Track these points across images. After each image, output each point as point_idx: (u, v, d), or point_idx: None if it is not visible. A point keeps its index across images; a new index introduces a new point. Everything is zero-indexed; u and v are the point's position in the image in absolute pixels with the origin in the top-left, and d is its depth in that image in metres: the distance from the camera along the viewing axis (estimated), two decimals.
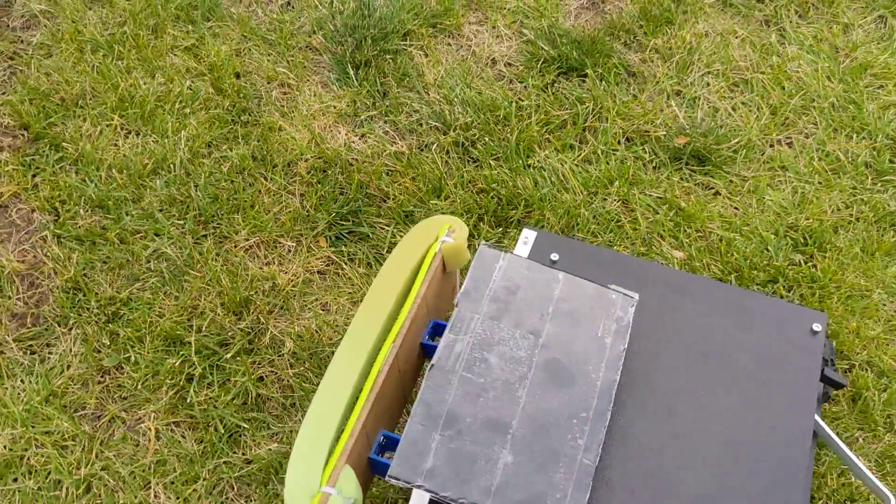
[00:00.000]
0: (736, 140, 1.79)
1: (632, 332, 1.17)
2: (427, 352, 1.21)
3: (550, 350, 1.11)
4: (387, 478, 1.01)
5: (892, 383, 1.48)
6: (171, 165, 1.73)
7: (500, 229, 1.66)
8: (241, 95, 1.85)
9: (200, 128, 1.79)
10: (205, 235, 1.65)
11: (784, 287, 1.59)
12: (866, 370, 1.50)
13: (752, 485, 1.09)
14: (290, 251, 1.64)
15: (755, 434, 1.13)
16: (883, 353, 1.51)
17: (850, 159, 1.77)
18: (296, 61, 1.92)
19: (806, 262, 1.63)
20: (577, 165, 1.75)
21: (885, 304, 1.58)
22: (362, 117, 1.83)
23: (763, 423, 1.14)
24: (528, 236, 1.34)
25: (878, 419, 1.43)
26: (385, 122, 1.83)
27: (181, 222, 1.66)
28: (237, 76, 1.90)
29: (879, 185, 1.75)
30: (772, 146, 1.81)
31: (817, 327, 1.23)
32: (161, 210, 1.67)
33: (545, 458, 1.02)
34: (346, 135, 1.80)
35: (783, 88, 1.89)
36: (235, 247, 1.63)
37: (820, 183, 1.74)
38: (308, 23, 2.00)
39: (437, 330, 1.21)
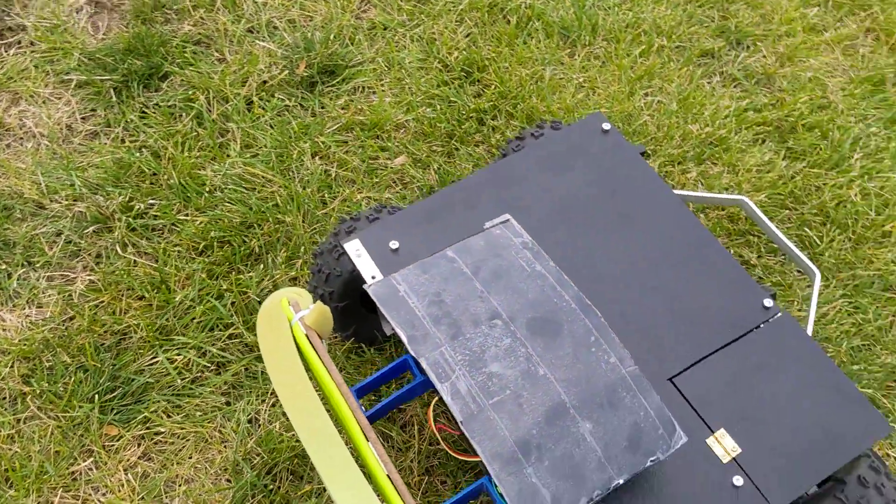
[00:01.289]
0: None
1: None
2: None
3: (517, 317, 1.03)
4: None
5: None
6: None
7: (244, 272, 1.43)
8: None
9: None
10: None
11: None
12: None
13: (703, 294, 1.17)
14: None
15: (669, 257, 1.20)
16: None
17: None
18: None
19: None
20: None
21: None
22: None
23: (666, 243, 1.22)
24: (356, 247, 1.18)
25: None
26: None
27: None
28: None
29: None
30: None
31: (606, 126, 1.31)
32: None
33: (606, 398, 0.98)
34: None
35: None
36: None
37: None
38: None
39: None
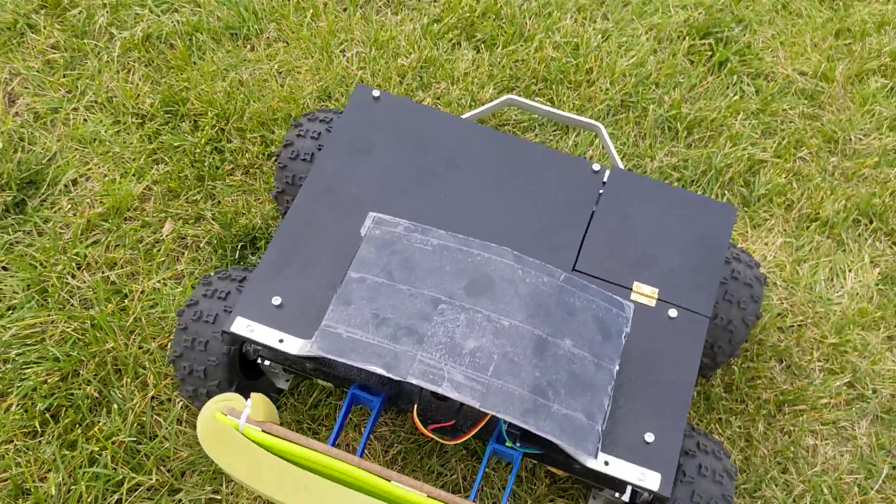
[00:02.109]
0: None
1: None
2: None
3: (454, 291, 1.06)
4: None
5: None
6: None
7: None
8: None
9: None
10: None
11: None
12: None
13: (548, 188, 1.28)
14: None
15: (504, 173, 1.28)
16: None
17: None
18: None
19: None
20: None
21: None
22: None
23: (492, 163, 1.29)
24: (244, 324, 1.12)
25: None
26: None
27: None
28: None
29: None
30: None
31: (376, 93, 1.33)
32: None
33: (563, 310, 1.07)
34: None
35: None
36: None
37: None
38: None
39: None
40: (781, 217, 1.66)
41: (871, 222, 1.67)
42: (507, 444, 1.12)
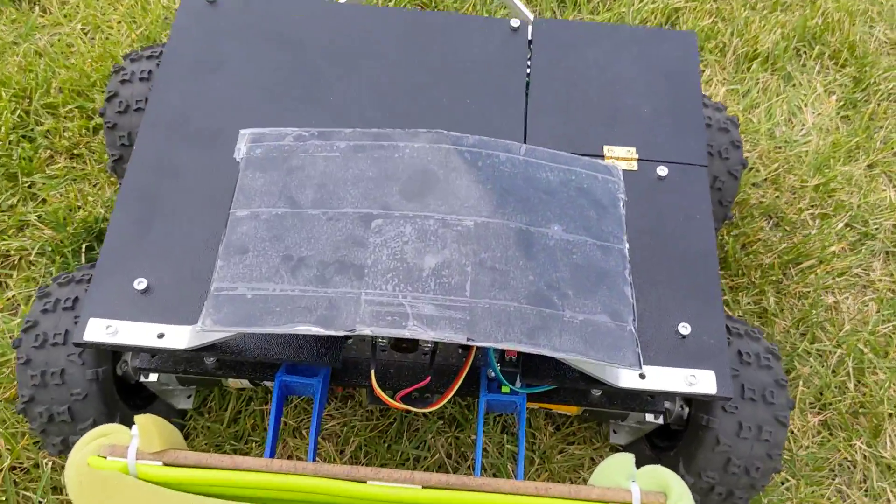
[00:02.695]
0: None
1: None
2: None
3: (387, 199, 0.76)
4: None
5: None
6: None
7: None
8: None
9: None
10: None
11: None
12: None
13: (467, 49, 0.99)
14: None
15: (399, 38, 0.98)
16: None
17: None
18: None
19: None
20: None
21: None
22: None
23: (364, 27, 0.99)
24: (102, 326, 0.78)
25: None
26: None
27: None
28: None
29: None
30: None
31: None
32: None
33: (539, 189, 0.78)
34: None
35: None
36: None
37: None
38: None
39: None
40: (717, 63, 1.43)
41: (813, 47, 1.46)
42: (503, 388, 0.83)
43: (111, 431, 0.72)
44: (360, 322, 0.67)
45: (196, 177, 0.87)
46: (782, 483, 1.05)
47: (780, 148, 1.33)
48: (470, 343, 0.67)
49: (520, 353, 0.80)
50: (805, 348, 1.14)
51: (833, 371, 1.13)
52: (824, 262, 1.21)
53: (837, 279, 1.20)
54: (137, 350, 0.78)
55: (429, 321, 0.67)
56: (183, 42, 0.97)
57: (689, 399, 0.93)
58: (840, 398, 1.11)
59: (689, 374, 0.79)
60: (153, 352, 0.78)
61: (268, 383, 0.95)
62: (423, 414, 1.05)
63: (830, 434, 1.09)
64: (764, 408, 0.90)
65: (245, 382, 0.96)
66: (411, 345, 0.75)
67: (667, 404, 0.89)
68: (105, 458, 0.70)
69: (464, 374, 0.82)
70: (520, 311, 0.69)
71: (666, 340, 0.81)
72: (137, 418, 0.71)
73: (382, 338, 0.77)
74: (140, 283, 0.80)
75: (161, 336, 0.78)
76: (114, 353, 0.93)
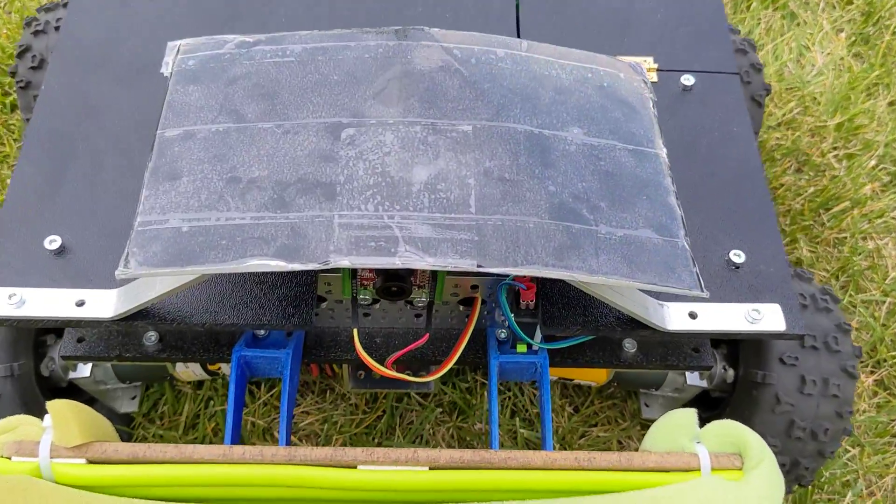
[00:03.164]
0: None
1: None
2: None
3: (359, 104, 0.60)
4: None
5: None
6: None
7: None
8: None
9: None
10: None
11: None
12: None
13: None
14: None
15: None
16: None
17: None
18: None
19: None
20: None
21: None
22: None
23: None
24: (5, 296, 0.61)
25: None
26: None
27: None
28: None
29: None
30: None
31: None
32: None
33: (548, 88, 0.63)
34: None
35: None
36: None
37: None
38: None
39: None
40: None
41: None
42: (519, 347, 0.67)
43: (17, 425, 0.55)
44: (335, 251, 0.50)
45: (120, 117, 0.71)
46: (844, 453, 0.89)
47: (791, 89, 1.19)
48: (480, 270, 0.51)
49: (537, 297, 0.63)
50: (850, 300, 0.99)
51: (883, 324, 0.98)
52: (859, 205, 1.07)
53: (875, 222, 1.06)
54: (51, 322, 0.61)
55: (425, 245, 0.51)
56: None
57: (733, 355, 0.78)
58: None
59: (749, 308, 0.63)
60: (72, 324, 0.61)
61: (226, 369, 0.78)
62: (420, 395, 0.88)
63: (890, 394, 0.94)
64: (828, 357, 0.74)
65: (199, 371, 0.78)
66: (402, 287, 0.58)
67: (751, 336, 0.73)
68: (10, 458, 0.53)
69: (470, 330, 0.65)
70: (541, 228, 0.53)
71: (716, 272, 0.65)
72: (50, 405, 0.54)
73: (364, 282, 0.60)
74: (52, 242, 0.63)
75: (81, 304, 0.61)
76: (36, 349, 0.75)
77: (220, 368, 0.78)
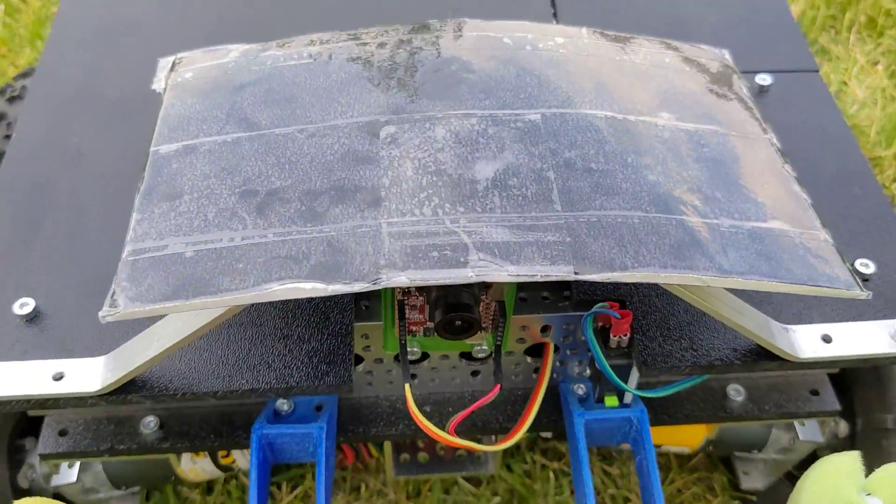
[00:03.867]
0: None
1: None
2: None
3: (413, 89, 0.49)
4: None
5: None
6: None
7: None
8: None
9: None
10: None
11: None
12: None
13: None
14: None
15: None
16: None
17: None
18: None
19: None
20: None
21: None
22: None
23: None
24: None
25: None
26: None
27: None
28: None
29: None
30: None
31: None
32: None
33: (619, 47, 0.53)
34: None
35: None
36: None
37: None
38: None
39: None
40: None
41: (844, 16, 1.26)
42: (608, 401, 0.54)
43: None
44: (388, 265, 0.38)
45: (105, 160, 0.60)
46: None
47: None
48: (577, 278, 0.38)
49: (632, 334, 0.51)
50: None
51: None
52: None
53: None
54: (23, 405, 0.48)
55: (503, 251, 0.39)
56: (77, 5, 0.71)
57: (848, 406, 0.64)
58: None
59: (891, 325, 0.51)
60: (50, 403, 0.48)
61: (241, 462, 0.64)
62: (471, 482, 0.74)
63: None
64: None
65: (209, 468, 0.64)
66: (469, 321, 0.45)
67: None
68: None
69: (545, 380, 0.52)
70: (649, 223, 0.41)
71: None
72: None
73: (413, 327, 0.48)
74: (24, 306, 0.51)
75: (59, 377, 0.48)
76: (10, 456, 0.62)
77: (234, 462, 0.64)
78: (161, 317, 0.46)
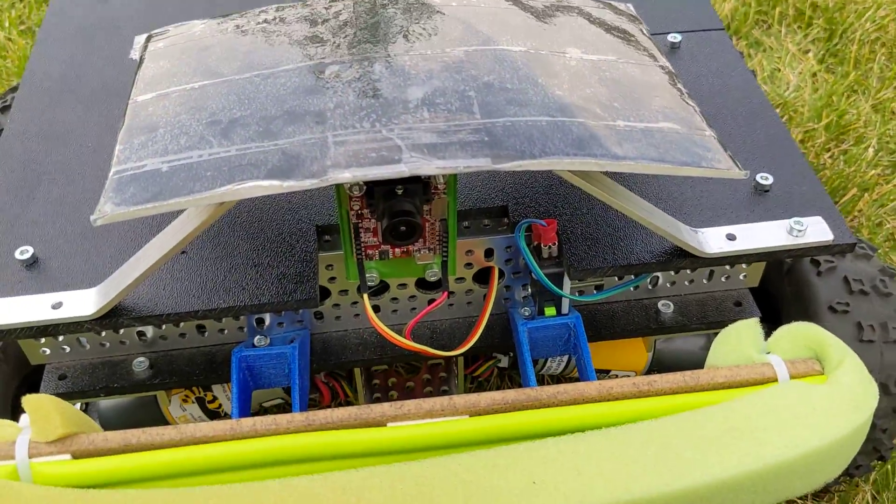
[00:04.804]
0: None
1: None
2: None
3: (344, 40, 0.56)
4: None
5: None
6: None
7: None
8: None
9: None
10: None
11: None
12: None
13: None
14: None
15: None
16: None
17: None
18: None
19: None
20: None
21: None
22: None
23: None
24: None
25: None
26: None
27: None
28: None
29: None
30: None
31: None
32: None
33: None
34: None
35: None
36: None
37: None
38: None
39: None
40: None
41: (774, 11, 1.36)
42: (546, 311, 0.61)
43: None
44: (334, 165, 0.45)
45: (90, 136, 0.67)
46: None
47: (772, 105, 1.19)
48: (497, 168, 0.46)
49: (560, 244, 0.58)
50: None
51: None
52: (867, 191, 1.03)
53: (888, 206, 1.02)
54: (26, 333, 0.54)
55: (431, 149, 0.46)
56: (64, 7, 0.79)
57: (772, 317, 0.71)
58: None
59: (791, 222, 0.58)
60: (50, 330, 0.54)
61: (226, 406, 0.70)
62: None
63: None
64: (880, 301, 0.68)
65: (197, 414, 0.70)
66: (411, 224, 0.52)
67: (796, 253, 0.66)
68: None
69: (493, 294, 0.59)
70: (555, 125, 0.48)
71: (746, 198, 0.61)
72: (27, 399, 0.46)
73: (369, 251, 0.55)
74: (24, 253, 0.58)
75: (58, 306, 0.54)
76: (13, 411, 0.68)
77: (220, 407, 0.71)
78: (145, 242, 0.54)
